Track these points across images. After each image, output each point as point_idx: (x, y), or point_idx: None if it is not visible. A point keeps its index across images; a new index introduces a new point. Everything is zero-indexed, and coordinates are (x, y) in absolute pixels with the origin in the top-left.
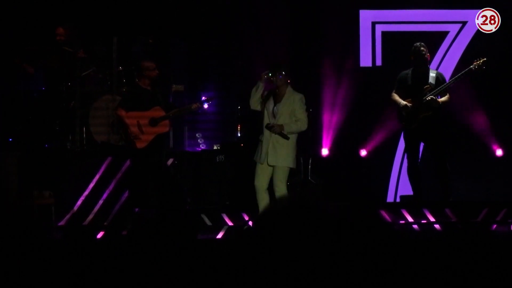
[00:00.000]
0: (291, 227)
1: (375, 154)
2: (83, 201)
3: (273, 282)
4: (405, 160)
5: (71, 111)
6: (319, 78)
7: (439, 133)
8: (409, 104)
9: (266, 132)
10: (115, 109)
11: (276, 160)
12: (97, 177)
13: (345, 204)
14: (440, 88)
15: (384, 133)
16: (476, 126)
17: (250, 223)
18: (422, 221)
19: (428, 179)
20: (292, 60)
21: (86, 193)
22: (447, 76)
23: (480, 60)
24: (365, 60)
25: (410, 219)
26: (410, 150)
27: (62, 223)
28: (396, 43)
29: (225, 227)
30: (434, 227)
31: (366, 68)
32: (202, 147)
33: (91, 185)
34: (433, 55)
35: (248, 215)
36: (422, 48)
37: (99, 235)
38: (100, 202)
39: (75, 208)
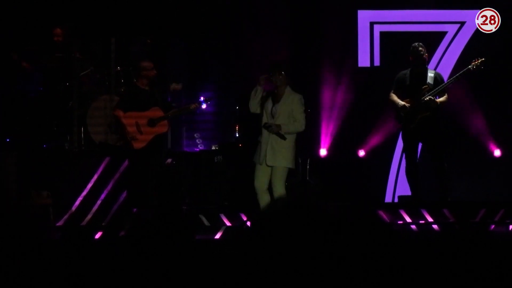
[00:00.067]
0: (289, 227)
1: (373, 155)
2: (81, 201)
3: (272, 282)
4: (403, 161)
5: (69, 111)
6: (318, 78)
7: (437, 134)
8: (407, 105)
9: (265, 133)
10: (113, 109)
11: (274, 160)
12: (95, 177)
13: (344, 204)
14: (438, 88)
15: (382, 133)
16: (475, 126)
17: (249, 223)
18: (420, 222)
19: (426, 180)
20: (291, 60)
21: (84, 193)
22: (445, 76)
23: (478, 60)
24: (363, 60)
25: (408, 220)
26: (408, 151)
27: (60, 223)
28: (394, 44)
29: (223, 227)
30: (432, 227)
31: (364, 68)
32: (200, 148)
33: (89, 185)
34: (431, 55)
35: (246, 215)
36: (420, 49)
37: (97, 236)
38: (98, 202)
39: (73, 208)
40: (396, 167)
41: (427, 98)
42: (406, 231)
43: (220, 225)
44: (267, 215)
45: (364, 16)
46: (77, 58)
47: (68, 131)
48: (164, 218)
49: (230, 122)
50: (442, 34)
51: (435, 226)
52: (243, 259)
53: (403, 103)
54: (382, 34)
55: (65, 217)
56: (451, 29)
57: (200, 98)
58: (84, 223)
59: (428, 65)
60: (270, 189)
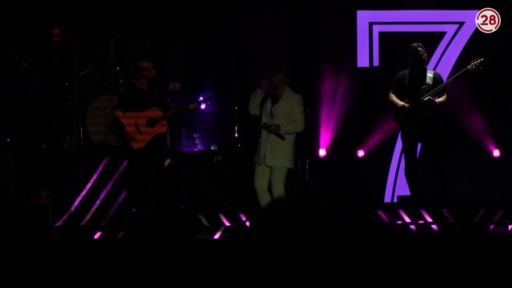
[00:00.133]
0: (289, 227)
1: (373, 155)
2: (81, 202)
3: (271, 282)
4: (403, 161)
5: (68, 112)
6: (317, 79)
7: (437, 134)
8: (406, 105)
9: (264, 133)
10: (112, 109)
11: (273, 161)
12: (94, 177)
13: (343, 204)
14: (437, 89)
15: (382, 133)
16: (474, 126)
17: (248, 223)
18: (420, 222)
19: (425, 180)
20: (290, 61)
21: (83, 193)
22: (445, 76)
23: (477, 60)
24: (363, 61)
25: (407, 220)
26: (408, 151)
27: (59, 223)
28: (393, 44)
29: (223, 227)
30: (432, 227)
31: (363, 69)
32: (200, 148)
33: (89, 185)
34: (430, 55)
35: (245, 215)
36: (419, 49)
37: (96, 236)
38: (98, 202)
39: (72, 208)
40: (395, 167)
41: (426, 98)
42: (405, 231)
43: (219, 225)
44: (266, 215)
45: (363, 17)
46: (76, 58)
47: (68, 131)
48: (163, 218)
49: (229, 122)
50: (441, 34)
51: (434, 226)
52: (243, 259)
53: (402, 103)
54: (381, 34)
55: (64, 217)
56: (450, 29)
57: (199, 98)
58: (83, 223)
59: (427, 65)
60: (270, 189)
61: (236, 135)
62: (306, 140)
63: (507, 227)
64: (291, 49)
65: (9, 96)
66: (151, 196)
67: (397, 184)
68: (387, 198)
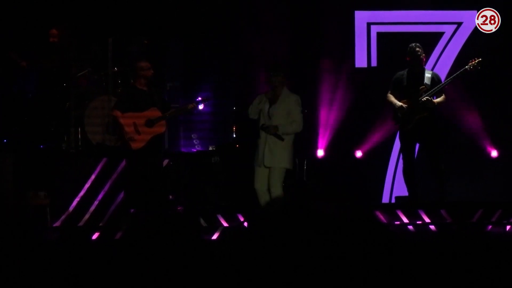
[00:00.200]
0: (286, 228)
1: (371, 155)
2: (79, 202)
3: (270, 282)
4: (400, 161)
5: (66, 112)
6: (315, 79)
7: (435, 134)
8: (404, 105)
9: (262, 134)
10: (111, 110)
11: (272, 161)
12: (92, 177)
13: (341, 205)
14: (435, 89)
15: (380, 134)
16: (472, 126)
17: (246, 224)
18: (417, 222)
19: (423, 180)
20: (289, 61)
21: (81, 194)
22: (443, 77)
23: (475, 60)
24: (361, 61)
25: (405, 220)
26: (406, 151)
27: (57, 224)
28: (391, 44)
29: (221, 228)
30: (429, 228)
31: (361, 69)
32: (198, 148)
33: (87, 186)
34: (428, 55)
35: (243, 216)
36: (417, 49)
37: (94, 236)
38: (96, 203)
39: (71, 209)
40: (393, 167)
41: (425, 99)
42: (403, 231)
43: (217, 225)
44: (264, 216)
45: (361, 17)
46: (75, 58)
47: (66, 131)
48: (164, 218)
49: (228, 123)
50: (439, 34)
51: (432, 227)
52: (241, 259)
53: (400, 103)
54: (379, 34)
55: (63, 217)
56: (448, 29)
57: (197, 98)
58: (81, 223)
59: (425, 65)
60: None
61: (234, 136)
62: (304, 141)
63: (505, 228)
64: (291, 49)
65: (8, 97)
66: (150, 196)
67: (395, 185)
68: (385, 199)
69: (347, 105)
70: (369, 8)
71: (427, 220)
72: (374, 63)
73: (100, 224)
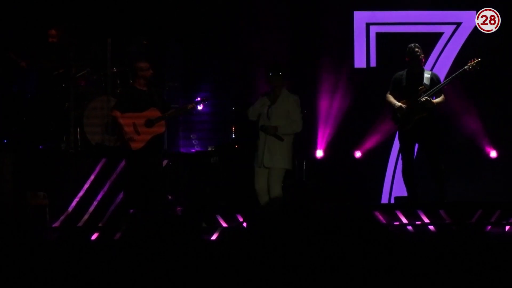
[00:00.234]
0: (285, 228)
1: (370, 156)
2: (78, 202)
3: (269, 282)
4: (400, 162)
5: (65, 112)
6: (314, 79)
7: (434, 134)
8: (403, 106)
9: (262, 134)
10: (110, 110)
11: (271, 162)
12: (91, 178)
13: (340, 205)
14: (435, 89)
15: (379, 134)
16: (471, 127)
17: (245, 224)
18: (417, 223)
19: (422, 181)
20: (288, 62)
21: (80, 194)
22: (442, 77)
23: (474, 60)
24: (360, 61)
25: (404, 221)
26: (405, 151)
27: (56, 224)
28: (390, 44)
29: (220, 228)
30: (429, 228)
31: (360, 69)
32: (197, 148)
33: (86, 186)
34: (427, 56)
35: (243, 216)
36: (416, 49)
37: (94, 237)
38: (95, 203)
39: (70, 209)
40: (393, 168)
41: (424, 99)
42: (403, 232)
43: (216, 226)
44: (263, 216)
45: (360, 17)
46: (74, 59)
47: (65, 132)
48: (162, 219)
49: (227, 123)
50: (438, 35)
51: (431, 227)
52: (240, 259)
53: (399, 104)
54: (378, 35)
55: (62, 218)
56: (447, 30)
57: (196, 99)
58: (80, 224)
59: (424, 66)
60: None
61: (233, 136)
62: (304, 141)
63: (504, 228)
64: (290, 49)
65: (7, 97)
66: (149, 196)
67: (394, 185)
68: (384, 199)
69: (346, 105)
70: (368, 8)
71: (426, 220)
72: (373, 63)
73: (100, 225)
